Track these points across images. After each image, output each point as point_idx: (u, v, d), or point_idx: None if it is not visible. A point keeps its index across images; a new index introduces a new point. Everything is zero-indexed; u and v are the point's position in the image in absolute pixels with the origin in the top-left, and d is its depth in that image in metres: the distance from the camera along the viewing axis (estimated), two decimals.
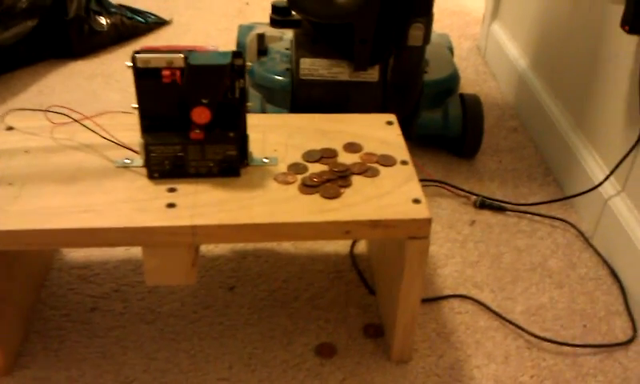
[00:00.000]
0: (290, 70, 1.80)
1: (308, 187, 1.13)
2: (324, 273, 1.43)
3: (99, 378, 1.19)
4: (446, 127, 1.82)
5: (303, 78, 1.76)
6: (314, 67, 1.75)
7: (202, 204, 1.09)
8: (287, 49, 1.92)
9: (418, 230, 1.09)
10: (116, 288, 1.37)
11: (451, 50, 2.11)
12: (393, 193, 1.13)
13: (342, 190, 1.13)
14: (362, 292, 1.39)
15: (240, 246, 1.48)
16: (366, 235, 1.10)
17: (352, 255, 1.47)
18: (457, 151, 1.86)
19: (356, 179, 1.16)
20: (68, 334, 1.27)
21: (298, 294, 1.37)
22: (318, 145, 1.25)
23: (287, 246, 1.49)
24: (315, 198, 1.11)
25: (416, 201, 1.12)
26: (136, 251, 1.47)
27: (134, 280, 1.39)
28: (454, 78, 1.88)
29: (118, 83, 2.22)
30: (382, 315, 1.32)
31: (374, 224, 1.08)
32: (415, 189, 1.14)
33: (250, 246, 1.49)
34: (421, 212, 1.09)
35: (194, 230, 1.06)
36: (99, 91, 2.17)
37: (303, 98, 1.79)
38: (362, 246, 1.50)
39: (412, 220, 1.09)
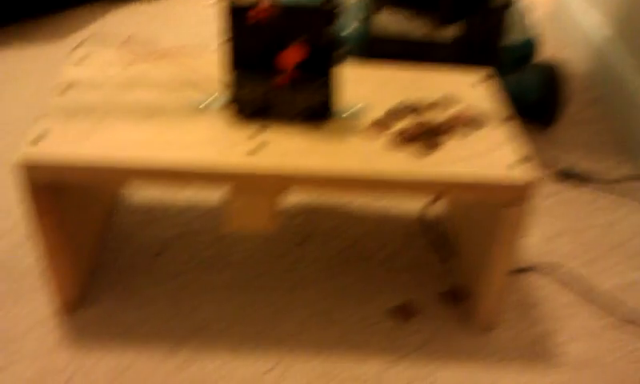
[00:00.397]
0: (361, 25, 1.73)
1: (398, 142, 1.06)
2: (398, 234, 1.37)
3: (170, 321, 1.16)
4: (523, 94, 1.74)
5: (376, 33, 1.69)
6: (388, 23, 1.67)
7: (288, 150, 1.03)
8: (357, 3, 1.84)
9: (518, 196, 1.02)
10: (183, 233, 1.33)
11: (527, 17, 2.01)
12: (491, 154, 1.06)
13: (436, 148, 1.07)
14: (438, 256, 1.33)
15: (309, 200, 1.43)
16: (461, 197, 1.04)
17: (423, 218, 1.41)
18: (534, 120, 1.78)
19: (449, 137, 1.10)
20: (135, 276, 1.23)
21: (371, 253, 1.32)
22: (407, 98, 1.18)
23: (359, 204, 1.43)
24: (407, 154, 1.05)
25: (516, 164, 1.04)
26: (198, 198, 1.42)
27: (199, 227, 1.35)
28: (531, 44, 1.79)
29: (177, 27, 2.16)
30: (466, 280, 1.26)
31: (471, 186, 1.02)
32: (515, 150, 1.07)
33: (320, 200, 1.43)
34: (522, 176, 1.02)
35: (280, 177, 1.00)
36: (158, 33, 2.11)
37: (374, 54, 1.71)
38: (435, 207, 1.44)
39: (512, 185, 1.02)
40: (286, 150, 1.03)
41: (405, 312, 1.21)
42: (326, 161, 1.02)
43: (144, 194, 1.42)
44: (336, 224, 1.38)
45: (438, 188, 1.02)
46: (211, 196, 1.42)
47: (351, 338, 1.15)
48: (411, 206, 1.44)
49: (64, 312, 1.16)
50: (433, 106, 1.16)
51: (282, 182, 1.01)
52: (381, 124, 1.10)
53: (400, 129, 1.10)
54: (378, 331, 1.17)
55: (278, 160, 1.01)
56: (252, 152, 1.02)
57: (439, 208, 1.43)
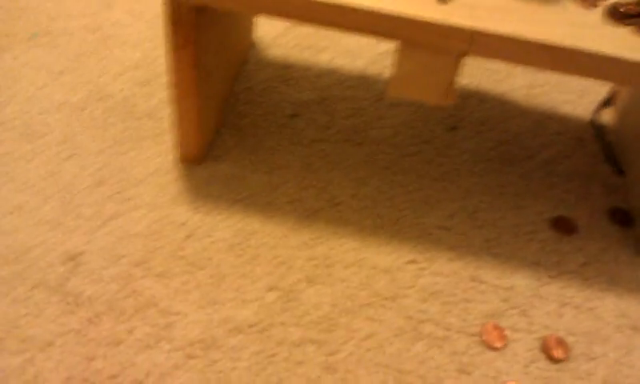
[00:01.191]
0: None
1: (617, 16, 0.87)
2: (562, 136, 1.19)
3: (302, 191, 1.03)
4: None
5: None
6: None
7: (482, 7, 0.86)
8: None
9: None
10: (319, 98, 1.19)
11: None
12: None
13: None
14: (608, 168, 1.15)
15: (463, 83, 1.26)
16: None
17: (595, 123, 1.22)
18: None
19: None
20: (266, 135, 1.11)
21: (531, 153, 1.15)
22: None
23: (518, 97, 1.25)
24: (626, 32, 0.86)
25: None
26: (342, 62, 1.26)
27: (340, 94, 1.20)
28: None
29: None
30: (634, 202, 1.08)
31: None
32: None
33: (474, 85, 1.25)
34: None
35: (471, 36, 0.83)
36: None
37: None
38: (604, 113, 1.25)
39: None
40: (479, 6, 0.86)
41: (565, 225, 1.05)
42: (527, 26, 0.84)
43: (281, 49, 1.28)
44: (494, 114, 1.21)
45: None
46: (355, 62, 1.26)
47: (502, 244, 1.00)
48: (583, 105, 1.24)
49: (187, 162, 1.05)
50: None
51: (472, 44, 0.84)
52: None
53: (619, 1, 0.90)
54: (533, 242, 1.02)
55: (469, 16, 0.83)
56: (437, 3, 0.84)
57: (615, 113, 1.24)
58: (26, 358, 0.86)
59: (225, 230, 0.98)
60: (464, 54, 0.85)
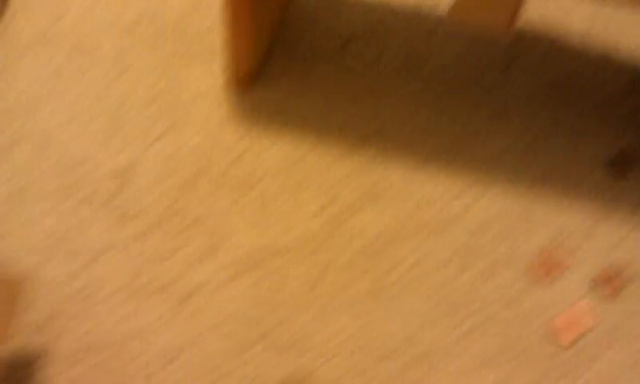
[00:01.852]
0: None
1: None
2: (621, 76, 1.14)
3: (350, 119, 1.01)
4: None
5: None
6: None
7: None
8: None
9: None
10: (372, 29, 1.16)
11: None
12: None
13: None
14: None
15: (521, 22, 1.22)
16: None
17: None
18: None
19: None
20: (316, 64, 1.09)
21: (588, 94, 1.11)
22: None
23: (578, 36, 1.21)
24: None
25: None
26: None
27: (393, 25, 1.17)
28: None
29: None
30: None
31: None
32: None
33: (533, 23, 1.21)
34: None
35: None
36: None
37: None
38: None
39: None
40: None
41: (620, 165, 1.02)
42: None
43: None
44: (549, 55, 1.17)
45: None
46: None
47: (554, 181, 0.98)
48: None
49: (237, 85, 1.04)
50: None
51: None
52: None
53: None
54: (586, 180, 0.99)
55: None
56: None
57: None
58: (75, 268, 0.87)
59: (272, 155, 0.97)
60: None
